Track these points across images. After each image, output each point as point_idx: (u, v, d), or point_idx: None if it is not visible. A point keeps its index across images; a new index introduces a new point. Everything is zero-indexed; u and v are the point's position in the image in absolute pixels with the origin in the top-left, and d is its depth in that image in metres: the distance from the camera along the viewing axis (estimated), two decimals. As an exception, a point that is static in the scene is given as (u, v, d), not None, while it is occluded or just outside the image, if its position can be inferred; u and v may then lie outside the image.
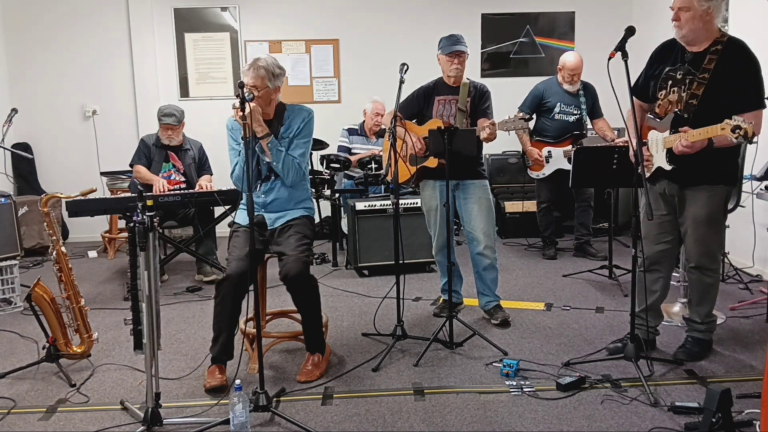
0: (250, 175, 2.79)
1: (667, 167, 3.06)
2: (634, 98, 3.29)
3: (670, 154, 3.03)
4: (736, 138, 2.67)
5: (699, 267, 3.18)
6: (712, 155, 2.92)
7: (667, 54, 3.16)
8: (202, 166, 5.22)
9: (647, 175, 3.24)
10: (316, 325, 3.27)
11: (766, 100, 3.04)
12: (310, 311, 3.22)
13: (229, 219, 4.78)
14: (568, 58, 5.32)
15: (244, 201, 3.42)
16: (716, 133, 2.77)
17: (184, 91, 6.79)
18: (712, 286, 3.22)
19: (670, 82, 3.10)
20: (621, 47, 2.93)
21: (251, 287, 2.88)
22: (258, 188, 3.32)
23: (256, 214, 3.23)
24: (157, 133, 5.10)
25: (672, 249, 3.29)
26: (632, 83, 3.25)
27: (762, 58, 4.70)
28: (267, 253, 3.31)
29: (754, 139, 2.76)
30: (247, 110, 2.94)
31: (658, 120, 3.15)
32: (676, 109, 3.04)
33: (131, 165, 5.13)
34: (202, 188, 4.95)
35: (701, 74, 2.98)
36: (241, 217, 3.38)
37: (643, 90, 3.26)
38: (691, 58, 3.05)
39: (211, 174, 5.22)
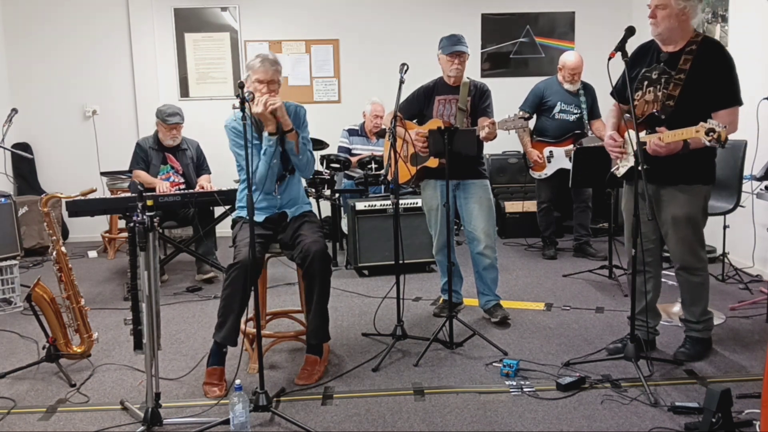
0: (250, 174, 2.79)
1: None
2: (614, 101, 3.39)
3: (645, 154, 3.05)
4: (710, 141, 2.67)
5: (685, 267, 3.18)
6: (687, 155, 2.93)
7: (643, 56, 3.19)
8: (200, 165, 5.22)
9: (622, 172, 3.27)
10: (324, 320, 3.21)
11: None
12: (323, 299, 3.16)
13: (229, 219, 4.78)
14: (568, 58, 5.33)
15: (241, 201, 3.43)
16: (691, 135, 2.78)
17: (184, 91, 6.79)
18: (702, 285, 3.22)
19: (645, 83, 3.12)
20: (621, 47, 2.95)
21: (251, 288, 2.87)
22: (276, 191, 3.32)
23: (276, 212, 3.31)
24: (153, 135, 5.09)
25: (656, 248, 3.31)
26: (613, 86, 3.36)
27: (761, 57, 4.73)
28: (267, 250, 3.31)
29: (726, 144, 2.76)
30: (279, 103, 3.02)
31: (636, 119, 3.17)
32: (654, 110, 3.05)
33: (130, 171, 5.13)
34: (202, 188, 4.95)
35: (677, 75, 3.01)
36: (244, 212, 3.39)
37: (621, 92, 3.29)
38: (666, 58, 3.08)
39: (210, 173, 5.22)
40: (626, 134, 3.21)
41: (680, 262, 3.18)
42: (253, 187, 3.07)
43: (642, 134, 3.05)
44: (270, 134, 3.14)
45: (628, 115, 3.24)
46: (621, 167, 3.27)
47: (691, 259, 3.16)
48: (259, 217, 3.35)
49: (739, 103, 2.99)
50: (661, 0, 2.96)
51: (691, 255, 3.15)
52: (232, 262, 3.08)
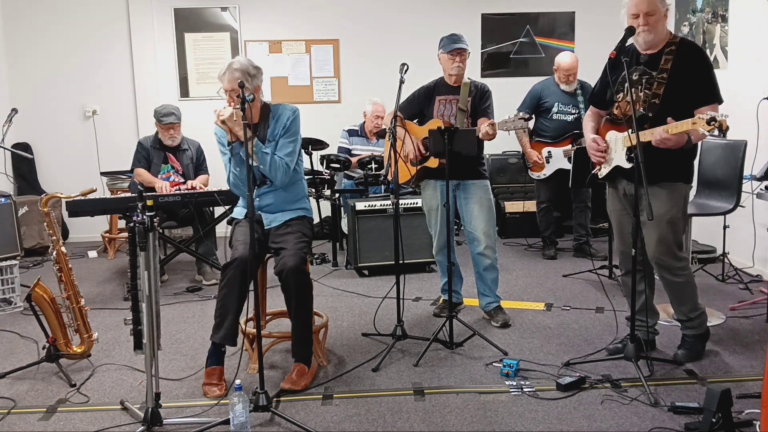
0: (250, 175, 2.79)
1: (627, 165, 3.09)
2: (591, 106, 3.43)
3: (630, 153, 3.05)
4: (710, 131, 2.69)
5: (666, 268, 3.17)
6: (671, 154, 2.95)
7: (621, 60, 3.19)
8: (199, 166, 5.20)
9: (604, 173, 3.27)
10: (307, 330, 3.16)
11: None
12: (301, 312, 3.12)
13: (229, 216, 4.78)
14: (563, 59, 5.33)
15: (241, 202, 3.43)
16: (688, 127, 2.79)
17: (184, 91, 6.79)
18: (687, 284, 3.21)
19: (626, 84, 3.12)
20: (621, 47, 2.95)
21: (251, 287, 2.87)
22: (255, 197, 3.30)
23: (257, 212, 3.23)
24: (155, 134, 5.10)
25: (647, 247, 3.30)
26: (591, 91, 3.44)
27: (761, 57, 4.72)
28: (267, 250, 3.31)
29: (728, 133, 2.77)
30: (229, 113, 2.97)
31: (617, 121, 3.18)
32: (640, 110, 3.06)
33: (131, 170, 5.13)
34: (194, 188, 4.93)
35: (660, 74, 3.04)
36: (238, 212, 3.41)
37: (599, 97, 3.32)
38: (646, 59, 3.11)
39: (208, 174, 5.21)
40: (607, 137, 3.23)
41: (659, 263, 3.17)
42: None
43: (626, 134, 3.06)
44: (228, 143, 3.15)
45: (609, 116, 3.26)
46: (603, 168, 3.28)
47: (670, 259, 3.15)
48: (240, 213, 3.38)
49: (719, 100, 3.02)
50: (650, 7, 2.98)
51: (669, 255, 3.14)
52: (229, 261, 3.09)
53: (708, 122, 2.67)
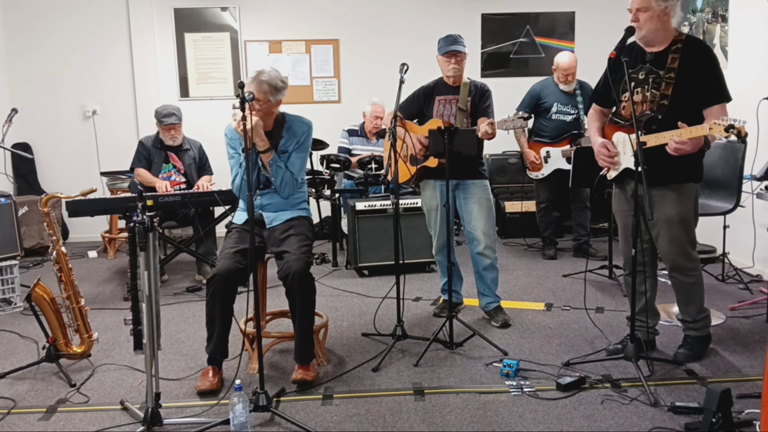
0: (251, 179, 2.79)
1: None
2: (594, 104, 3.40)
3: (645, 154, 3.04)
4: (727, 138, 2.67)
5: (677, 268, 3.17)
6: (681, 155, 2.92)
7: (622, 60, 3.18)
8: (202, 166, 5.22)
9: (613, 175, 3.26)
10: (309, 333, 3.16)
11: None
12: (305, 316, 3.12)
13: (228, 219, 4.78)
14: (561, 59, 5.33)
15: (241, 205, 3.43)
16: (701, 133, 2.77)
17: (184, 91, 6.79)
18: (696, 285, 3.21)
19: (632, 84, 3.11)
20: (621, 47, 2.94)
21: (251, 287, 2.87)
22: (256, 197, 3.31)
23: (257, 212, 3.23)
24: (156, 134, 5.10)
25: (651, 247, 3.29)
26: (594, 89, 3.40)
27: (761, 57, 4.73)
28: (266, 252, 3.31)
29: (747, 138, 2.76)
30: (248, 122, 2.95)
31: (623, 122, 3.17)
32: (648, 111, 3.05)
33: (132, 169, 5.13)
34: (200, 188, 4.95)
35: (667, 74, 3.01)
36: (238, 217, 3.40)
37: (603, 95, 3.30)
38: (651, 58, 3.08)
39: (212, 174, 5.22)
40: (614, 138, 3.21)
41: (672, 264, 3.17)
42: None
43: (634, 136, 3.05)
44: (243, 149, 3.16)
45: (616, 117, 3.24)
46: (612, 170, 3.27)
47: (683, 260, 3.15)
48: (240, 218, 3.37)
49: (728, 99, 3.00)
50: (643, 3, 2.96)
51: (683, 256, 3.14)
52: (210, 276, 3.10)
53: (726, 129, 2.64)
